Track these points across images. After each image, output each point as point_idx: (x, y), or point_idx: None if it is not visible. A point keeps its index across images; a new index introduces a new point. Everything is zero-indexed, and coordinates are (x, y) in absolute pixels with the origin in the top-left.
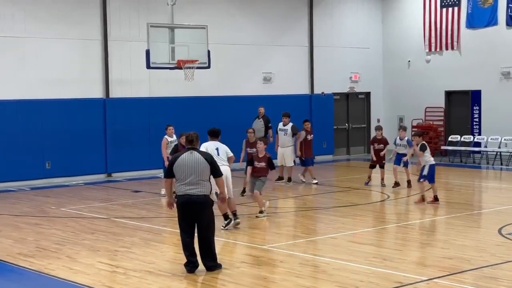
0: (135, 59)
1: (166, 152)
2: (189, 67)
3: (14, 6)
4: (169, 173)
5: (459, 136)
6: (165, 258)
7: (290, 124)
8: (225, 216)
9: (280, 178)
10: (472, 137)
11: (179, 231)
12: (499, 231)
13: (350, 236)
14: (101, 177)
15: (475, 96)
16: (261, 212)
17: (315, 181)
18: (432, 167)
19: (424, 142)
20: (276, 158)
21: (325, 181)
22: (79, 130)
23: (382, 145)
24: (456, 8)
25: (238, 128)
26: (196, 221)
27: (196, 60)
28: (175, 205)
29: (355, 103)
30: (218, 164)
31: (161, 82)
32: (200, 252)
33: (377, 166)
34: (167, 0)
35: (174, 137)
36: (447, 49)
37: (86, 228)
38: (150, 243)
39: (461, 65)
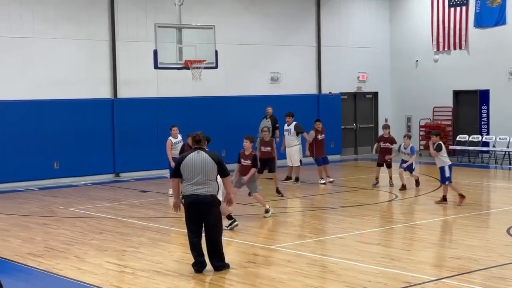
0: (143, 59)
1: (171, 153)
2: (197, 67)
3: (22, 6)
4: (176, 173)
5: (467, 136)
6: (173, 258)
7: (294, 123)
8: (229, 216)
9: (288, 178)
10: (480, 136)
11: (186, 231)
12: (508, 231)
13: (358, 236)
14: (109, 177)
15: (483, 96)
16: (266, 211)
17: (322, 181)
18: (450, 167)
19: (440, 142)
20: (284, 158)
21: (333, 181)
22: (87, 130)
23: (388, 143)
24: (464, 8)
25: (246, 128)
26: (204, 221)
27: (203, 60)
28: (181, 206)
29: (363, 103)
30: None
31: (169, 82)
32: (207, 252)
33: (384, 165)
34: (175, 0)
35: (179, 137)
36: (455, 48)
37: (94, 228)
38: (158, 243)
39: (469, 64)
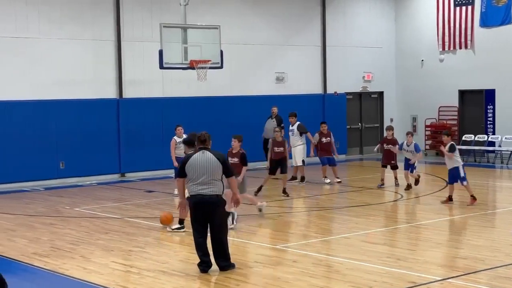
0: (148, 59)
1: (174, 153)
2: (202, 67)
3: (28, 6)
4: (181, 173)
5: (473, 136)
6: (179, 258)
7: (297, 123)
8: (181, 221)
9: (294, 178)
10: (486, 136)
11: (192, 231)
12: None
13: (364, 236)
14: (115, 177)
15: (489, 95)
16: (260, 210)
17: (327, 181)
18: (463, 167)
19: (452, 142)
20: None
21: (340, 181)
22: (93, 131)
23: (391, 145)
24: (469, 7)
25: (251, 128)
26: (209, 221)
27: (209, 60)
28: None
29: (368, 103)
30: None
31: (174, 82)
32: (213, 252)
33: (389, 167)
34: (180, 0)
35: (184, 137)
36: (460, 48)
37: (100, 228)
38: (163, 243)
39: (474, 64)
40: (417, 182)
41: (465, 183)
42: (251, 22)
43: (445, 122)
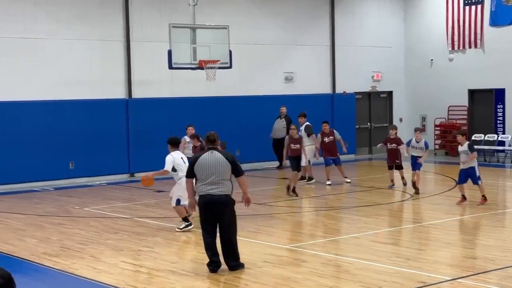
0: (157, 59)
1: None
2: (211, 67)
3: (37, 7)
4: (190, 173)
5: (482, 135)
6: (188, 258)
7: (305, 124)
8: (185, 219)
9: (303, 178)
10: (496, 136)
11: (201, 231)
12: None
13: (373, 235)
14: (124, 177)
15: (499, 95)
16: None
17: (328, 182)
18: (478, 167)
19: (469, 142)
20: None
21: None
22: (102, 131)
23: (394, 144)
24: (479, 6)
25: (260, 128)
26: (218, 221)
27: (217, 60)
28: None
29: (377, 103)
30: (182, 174)
31: (183, 83)
32: (222, 252)
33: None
34: (189, 0)
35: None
36: (470, 47)
37: (110, 228)
38: (173, 243)
39: (484, 63)
40: (415, 187)
41: (480, 182)
42: (259, 22)
43: (454, 121)
